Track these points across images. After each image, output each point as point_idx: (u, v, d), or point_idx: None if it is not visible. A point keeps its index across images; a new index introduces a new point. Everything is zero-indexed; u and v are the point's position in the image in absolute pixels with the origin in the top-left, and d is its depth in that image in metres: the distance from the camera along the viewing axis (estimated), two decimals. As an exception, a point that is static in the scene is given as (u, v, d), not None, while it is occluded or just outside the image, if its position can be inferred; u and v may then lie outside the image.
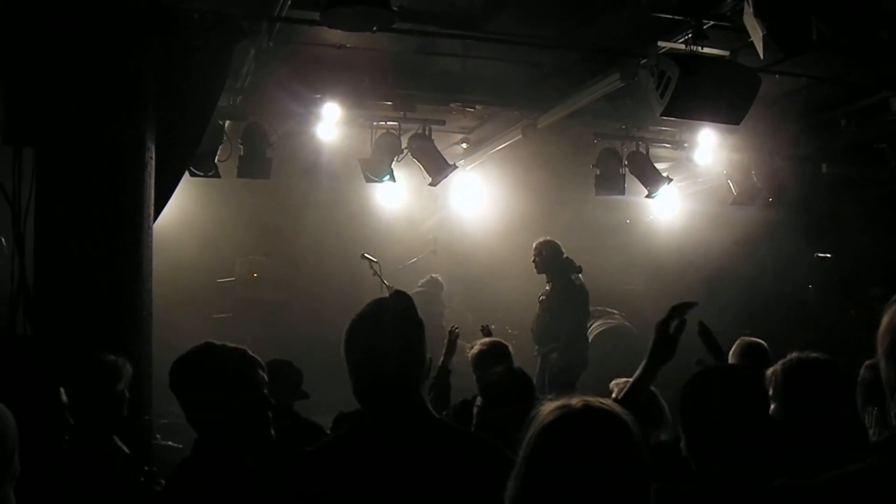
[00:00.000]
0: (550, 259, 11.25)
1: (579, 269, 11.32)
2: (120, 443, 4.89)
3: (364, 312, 3.13)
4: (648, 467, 2.23)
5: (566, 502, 2.16)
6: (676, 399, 3.21)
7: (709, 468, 3.04)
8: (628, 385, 3.59)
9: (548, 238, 11.38)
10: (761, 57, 7.45)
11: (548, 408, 2.28)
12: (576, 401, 2.27)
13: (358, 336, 3.11)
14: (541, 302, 11.32)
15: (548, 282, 11.31)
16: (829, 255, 13.00)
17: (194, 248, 13.10)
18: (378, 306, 3.14)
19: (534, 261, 11.35)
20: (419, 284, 13.04)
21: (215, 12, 7.36)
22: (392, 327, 3.07)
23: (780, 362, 4.44)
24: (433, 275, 12.74)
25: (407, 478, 2.88)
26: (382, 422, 3.04)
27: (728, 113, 8.31)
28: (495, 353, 6.62)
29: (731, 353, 6.36)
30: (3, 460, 2.18)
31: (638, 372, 3.57)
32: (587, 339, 11.47)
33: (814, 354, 4.37)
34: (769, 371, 4.43)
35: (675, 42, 8.32)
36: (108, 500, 4.17)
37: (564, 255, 11.29)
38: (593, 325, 13.40)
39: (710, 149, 12.32)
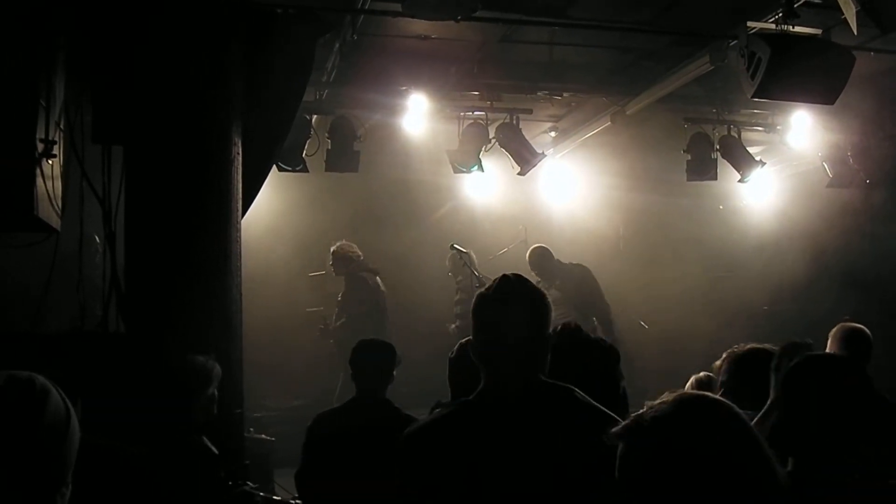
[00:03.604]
0: (345, 262, 11.93)
1: (375, 272, 12.08)
2: (209, 443, 4.94)
3: (490, 287, 3.31)
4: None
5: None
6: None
7: (808, 459, 2.96)
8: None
9: (343, 241, 12.06)
10: (855, 34, 7.26)
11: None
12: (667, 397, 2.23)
13: (479, 308, 3.28)
14: (338, 303, 11.98)
15: (345, 283, 11.97)
16: (929, 238, 12.64)
17: (285, 243, 13.19)
18: (501, 283, 3.29)
19: (331, 265, 12.02)
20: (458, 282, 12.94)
21: (299, 6, 7.39)
22: (511, 304, 3.22)
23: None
24: (451, 248, 12.58)
25: (517, 443, 3.03)
26: (492, 393, 3.19)
27: (821, 93, 8.11)
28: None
29: (831, 337, 6.23)
30: (66, 468, 2.11)
31: None
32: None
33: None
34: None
35: (765, 22, 8.14)
36: (197, 500, 4.21)
37: (361, 258, 12.02)
38: None
39: (803, 131, 12.05)
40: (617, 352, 4.12)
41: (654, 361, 12.48)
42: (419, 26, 8.87)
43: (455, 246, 11.94)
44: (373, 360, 6.04)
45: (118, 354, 5.65)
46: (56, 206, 5.95)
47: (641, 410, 2.22)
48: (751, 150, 12.50)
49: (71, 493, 3.21)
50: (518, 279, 3.31)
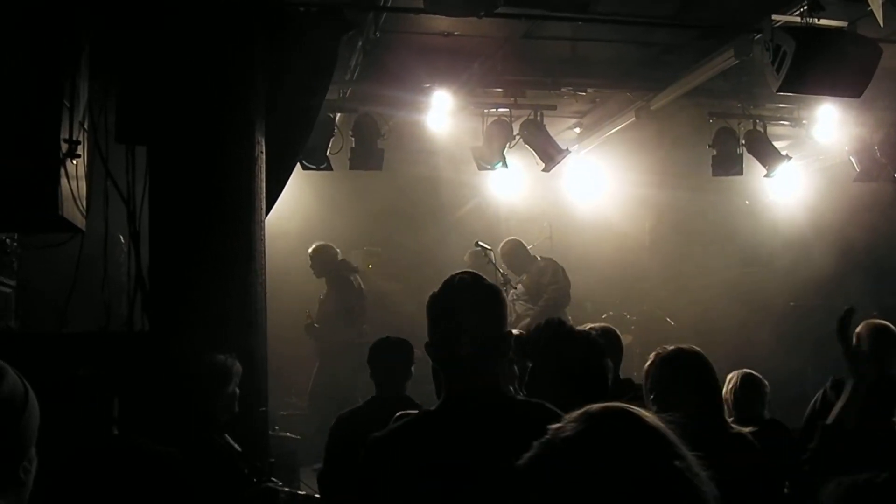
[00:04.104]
0: (325, 262, 12.00)
1: (355, 270, 12.15)
2: (231, 440, 4.96)
3: (438, 291, 3.22)
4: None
5: None
6: None
7: None
8: None
9: (320, 242, 12.08)
10: (881, 26, 7.20)
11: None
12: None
13: (431, 313, 3.21)
14: (321, 303, 12.00)
15: (327, 284, 12.02)
16: (958, 233, 12.52)
17: (309, 241, 13.21)
18: (449, 285, 3.21)
19: (311, 266, 12.02)
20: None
21: (321, 4, 7.39)
22: (464, 306, 3.15)
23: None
24: (476, 246, 12.43)
25: (476, 452, 2.93)
26: (455, 400, 3.14)
27: (848, 86, 8.04)
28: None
29: (856, 334, 6.16)
30: (25, 443, 2.15)
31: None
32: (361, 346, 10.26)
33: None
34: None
35: (790, 15, 8.08)
36: (222, 498, 4.23)
37: (340, 258, 12.08)
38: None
39: (830, 125, 11.95)
40: (601, 345, 4.10)
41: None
42: (442, 23, 8.85)
43: (480, 244, 11.92)
44: (391, 358, 6.10)
45: (143, 353, 5.68)
46: (81, 206, 5.97)
47: (547, 436, 2.17)
48: (777, 144, 12.41)
49: (108, 489, 3.23)
50: (470, 278, 3.25)
